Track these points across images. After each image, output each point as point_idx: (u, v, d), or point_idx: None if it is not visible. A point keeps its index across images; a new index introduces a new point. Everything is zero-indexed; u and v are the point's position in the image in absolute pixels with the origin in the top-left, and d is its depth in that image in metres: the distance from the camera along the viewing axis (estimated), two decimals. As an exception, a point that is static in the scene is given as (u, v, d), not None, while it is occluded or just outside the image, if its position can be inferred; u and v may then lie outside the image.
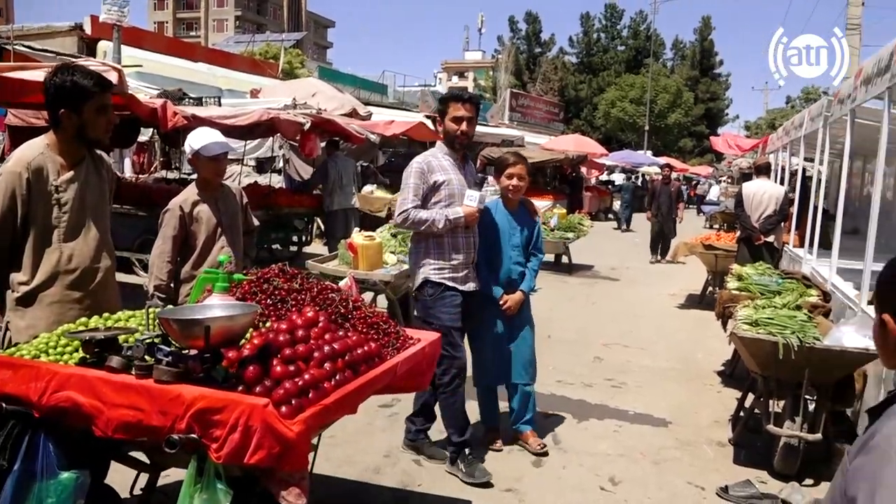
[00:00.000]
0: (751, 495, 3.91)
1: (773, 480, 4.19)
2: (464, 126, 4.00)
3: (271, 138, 12.83)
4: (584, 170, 24.61)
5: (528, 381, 4.50)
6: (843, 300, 5.68)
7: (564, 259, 12.64)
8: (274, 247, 11.18)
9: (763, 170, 8.79)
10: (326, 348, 2.40)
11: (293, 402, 2.10)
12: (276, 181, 13.51)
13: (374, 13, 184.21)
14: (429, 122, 17.25)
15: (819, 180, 8.64)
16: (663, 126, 45.89)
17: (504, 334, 4.39)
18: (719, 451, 4.66)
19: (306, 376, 2.22)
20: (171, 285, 3.90)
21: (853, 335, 3.90)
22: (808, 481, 4.19)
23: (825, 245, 8.71)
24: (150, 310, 2.46)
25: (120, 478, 2.80)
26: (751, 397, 4.86)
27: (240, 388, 2.13)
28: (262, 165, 15.11)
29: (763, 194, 8.35)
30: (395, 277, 6.31)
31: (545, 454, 4.41)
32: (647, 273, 12.82)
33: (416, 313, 4.20)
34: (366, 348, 2.62)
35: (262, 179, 13.33)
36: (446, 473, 4.08)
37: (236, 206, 4.17)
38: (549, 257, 12.81)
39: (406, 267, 6.56)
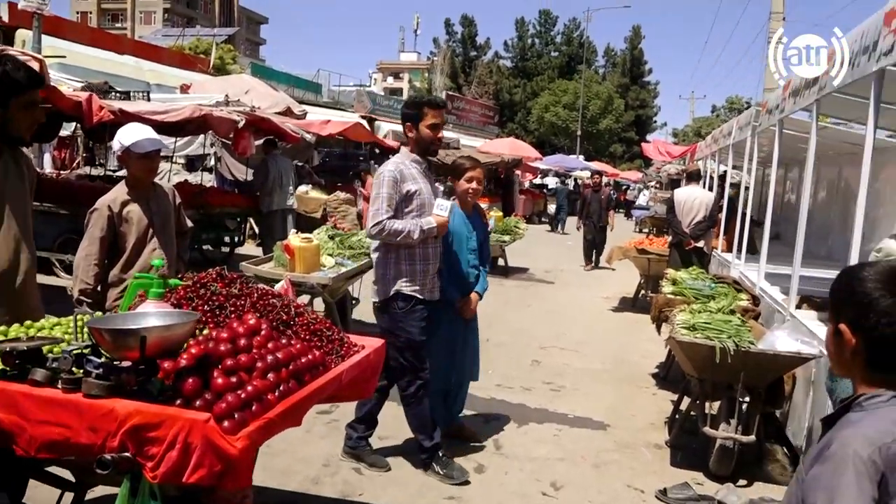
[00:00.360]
0: (688, 497, 3.98)
1: (709, 482, 4.27)
2: (440, 133, 3.97)
3: (203, 136, 12.45)
4: (518, 173, 24.87)
5: (475, 378, 4.72)
6: (771, 304, 5.86)
7: (500, 261, 12.70)
8: (205, 248, 10.84)
9: (694, 176, 9.05)
10: (270, 358, 2.29)
11: (236, 415, 1.99)
12: (207, 180, 13.12)
13: (309, 11, 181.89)
14: (365, 123, 17.11)
15: (747, 187, 8.92)
16: (595, 131, 46.86)
17: (458, 337, 4.44)
18: (657, 453, 4.73)
19: (249, 388, 2.11)
20: (98, 289, 3.70)
21: (786, 339, 4.02)
22: (742, 482, 4.29)
23: (750, 250, 9.03)
24: (79, 318, 2.29)
25: (41, 495, 2.61)
26: (686, 400, 4.96)
27: (178, 401, 2.00)
28: (193, 163, 14.67)
29: (694, 200, 8.58)
30: (333, 280, 6.18)
31: (482, 447, 4.55)
32: (580, 276, 13.03)
33: (381, 325, 4.08)
34: (310, 357, 2.52)
35: (193, 178, 12.92)
36: (388, 482, 4.00)
37: (169, 207, 3.98)
38: (486, 260, 12.85)
39: (345, 269, 6.46)
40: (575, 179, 33.81)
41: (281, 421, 2.17)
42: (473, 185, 4.38)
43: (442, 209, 3.90)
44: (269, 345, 2.39)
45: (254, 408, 2.08)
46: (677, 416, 5.00)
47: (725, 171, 11.25)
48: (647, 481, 4.24)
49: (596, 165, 30.76)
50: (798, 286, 6.44)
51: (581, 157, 39.22)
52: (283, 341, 2.51)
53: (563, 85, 47.80)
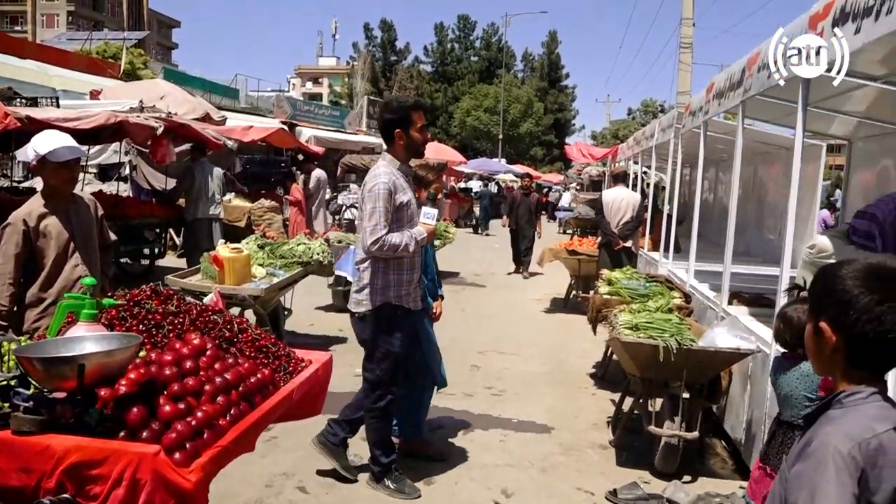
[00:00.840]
0: (638, 497, 4.00)
1: (655, 480, 4.31)
2: (426, 135, 3.95)
3: (117, 143, 11.88)
4: (443, 177, 24.90)
5: (445, 384, 4.71)
6: (703, 301, 6.00)
7: (431, 266, 12.63)
8: (123, 261, 10.32)
9: (620, 178, 9.23)
10: (218, 380, 2.14)
11: (187, 445, 1.83)
12: (122, 190, 12.53)
13: (223, 15, 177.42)
14: (286, 129, 16.73)
15: (663, 187, 9.17)
16: (516, 135, 47.51)
17: (427, 342, 4.45)
18: (602, 453, 4.75)
19: (199, 414, 1.95)
20: (14, 310, 3.42)
21: (725, 336, 4.10)
22: (687, 478, 4.35)
23: (674, 248, 9.28)
24: (3, 345, 2.08)
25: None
26: (628, 400, 5.01)
27: (121, 433, 1.82)
28: (106, 172, 13.99)
29: (621, 201, 8.75)
30: (266, 291, 5.97)
31: (429, 457, 4.48)
32: (510, 279, 13.11)
33: (361, 335, 3.98)
34: (259, 376, 2.38)
35: (107, 188, 12.31)
36: (336, 499, 3.86)
37: (90, 219, 3.73)
38: (416, 265, 12.77)
39: (277, 280, 6.25)
40: (498, 183, 34.17)
41: (234, 447, 2.03)
42: (422, 194, 4.52)
43: (429, 217, 3.88)
44: (217, 365, 2.24)
45: (205, 435, 1.93)
46: (620, 416, 5.04)
47: (647, 172, 11.59)
48: (596, 483, 4.24)
49: (519, 168, 31.16)
50: (730, 283, 6.67)
51: (503, 161, 39.70)
52: (231, 360, 2.36)
53: (483, 89, 48.27)
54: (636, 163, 12.41)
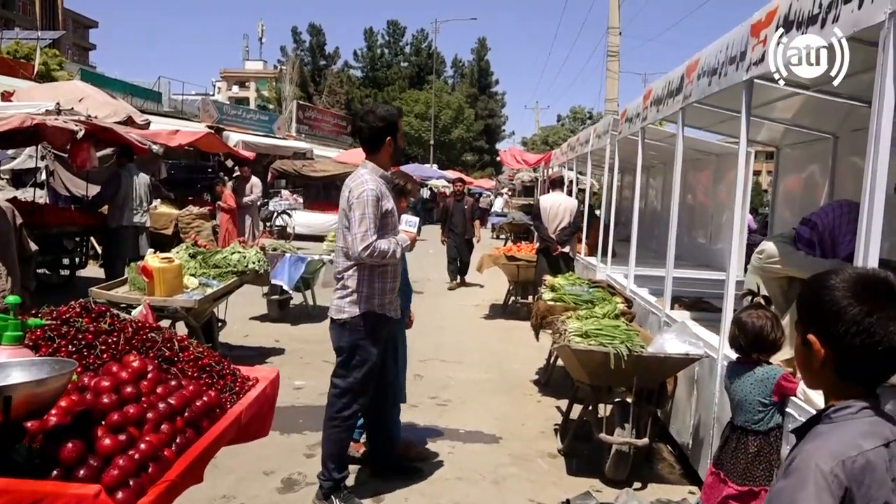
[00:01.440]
0: (592, 507, 3.95)
1: (607, 488, 4.28)
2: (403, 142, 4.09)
3: (32, 148, 11.23)
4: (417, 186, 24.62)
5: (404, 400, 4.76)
6: (645, 306, 6.05)
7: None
8: (41, 271, 9.72)
9: (557, 183, 9.26)
10: (162, 405, 1.95)
11: (131, 483, 1.65)
12: (39, 196, 11.84)
13: (144, 16, 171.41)
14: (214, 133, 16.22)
15: (596, 193, 9.27)
16: (447, 141, 47.60)
17: (401, 354, 4.58)
18: (552, 463, 4.70)
19: (142, 445, 1.76)
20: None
21: (674, 342, 4.10)
22: (637, 484, 4.34)
23: (606, 253, 9.40)
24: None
25: None
26: (576, 407, 4.98)
27: (54, 472, 1.62)
28: (20, 178, 13.20)
29: (559, 207, 8.78)
30: (200, 303, 5.69)
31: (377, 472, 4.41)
32: (448, 285, 13.01)
33: (339, 342, 3.94)
34: (205, 399, 2.19)
35: (22, 194, 11.60)
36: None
37: (8, 228, 3.45)
38: (352, 272, 12.53)
39: (211, 290, 5.98)
40: (431, 189, 34.15)
41: (182, 481, 1.84)
42: (403, 203, 4.49)
43: (410, 225, 3.99)
44: (159, 389, 2.05)
45: (150, 469, 1.74)
46: (568, 424, 5.00)
47: (579, 178, 11.71)
48: (548, 493, 4.18)
49: (451, 174, 31.20)
50: (660, 287, 6.76)
51: (435, 166, 39.70)
52: (174, 383, 2.17)
53: (414, 95, 48.19)
54: (570, 169, 12.56)
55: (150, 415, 1.90)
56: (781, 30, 3.42)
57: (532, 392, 6.32)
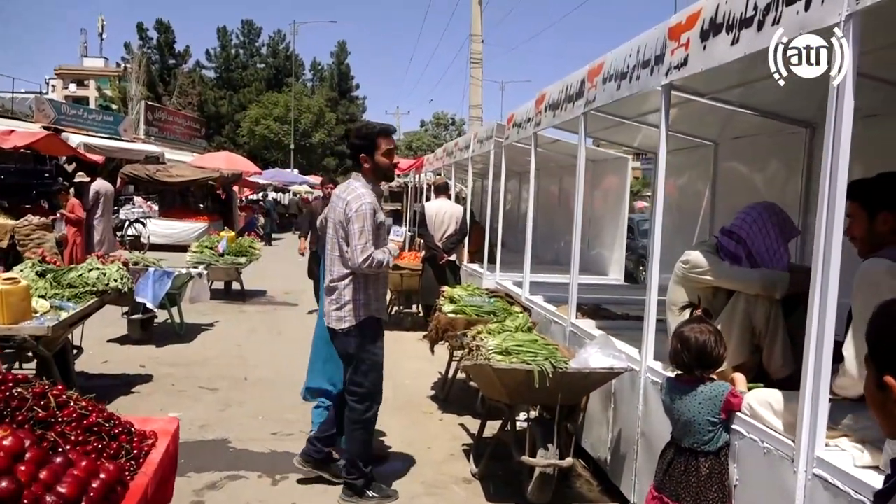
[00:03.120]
0: (521, 537, 3.69)
1: (530, 512, 4.04)
2: (395, 158, 4.22)
3: None
4: (235, 188, 23.49)
5: None
6: (545, 315, 5.90)
7: (236, 285, 11.67)
8: None
9: (442, 189, 9.03)
10: (50, 499, 1.44)
11: None
12: None
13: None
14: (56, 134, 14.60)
15: (497, 199, 9.17)
16: (308, 145, 46.42)
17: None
18: (468, 488, 4.40)
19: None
20: None
21: (599, 356, 3.92)
22: (559, 506, 4.14)
23: (490, 260, 9.31)
24: None
25: None
26: (490, 426, 4.72)
27: None
28: None
29: (444, 214, 8.55)
30: (53, 329, 4.90)
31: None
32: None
33: (346, 350, 4.11)
34: (103, 476, 1.69)
35: None
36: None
37: None
38: (219, 285, 11.72)
39: (67, 314, 5.18)
40: (294, 194, 33.10)
41: None
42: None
43: (398, 235, 4.30)
44: (42, 474, 1.52)
45: None
46: (480, 445, 4.73)
47: (468, 185, 11.57)
48: (471, 524, 3.88)
49: (314, 179, 30.37)
50: (554, 294, 6.68)
51: (296, 171, 38.55)
52: (59, 460, 1.64)
53: (273, 97, 46.56)
54: (455, 175, 12.38)
55: (33, 513, 1.38)
56: (712, 32, 3.34)
57: (431, 409, 6.01)
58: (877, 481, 2.23)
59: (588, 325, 5.17)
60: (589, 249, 9.94)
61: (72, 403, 2.03)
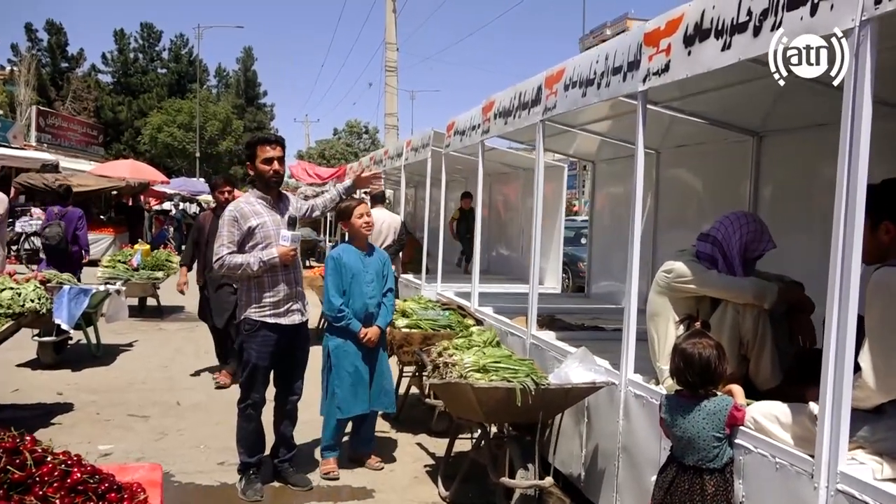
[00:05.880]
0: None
1: (509, 536, 3.86)
2: (275, 166, 4.28)
3: None
4: (142, 198, 22.34)
5: (388, 406, 4.89)
6: (500, 326, 5.74)
7: (151, 301, 10.98)
8: None
9: (379, 199, 8.78)
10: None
11: None
12: None
13: None
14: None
15: (437, 209, 9.00)
16: (214, 153, 44.87)
17: (365, 366, 4.69)
18: (440, 514, 4.18)
19: None
20: None
21: (579, 370, 3.79)
22: (538, 528, 3.97)
23: (417, 270, 9.14)
24: None
25: None
26: (457, 446, 4.51)
27: None
28: None
29: (382, 224, 8.29)
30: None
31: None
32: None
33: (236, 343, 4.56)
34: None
35: None
36: None
37: None
38: (133, 301, 10.97)
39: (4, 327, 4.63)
40: (200, 204, 31.78)
41: None
42: (365, 218, 4.72)
43: (285, 240, 4.21)
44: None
45: None
46: (449, 467, 4.51)
47: (385, 193, 11.30)
48: (450, 554, 3.66)
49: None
50: (500, 304, 6.57)
51: (202, 180, 37.11)
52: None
53: (177, 104, 44.70)
54: (385, 184, 12.13)
55: None
56: (698, 37, 3.28)
57: (385, 428, 5.72)
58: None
59: (548, 336, 5.05)
60: (522, 258, 9.93)
61: (50, 458, 1.69)
